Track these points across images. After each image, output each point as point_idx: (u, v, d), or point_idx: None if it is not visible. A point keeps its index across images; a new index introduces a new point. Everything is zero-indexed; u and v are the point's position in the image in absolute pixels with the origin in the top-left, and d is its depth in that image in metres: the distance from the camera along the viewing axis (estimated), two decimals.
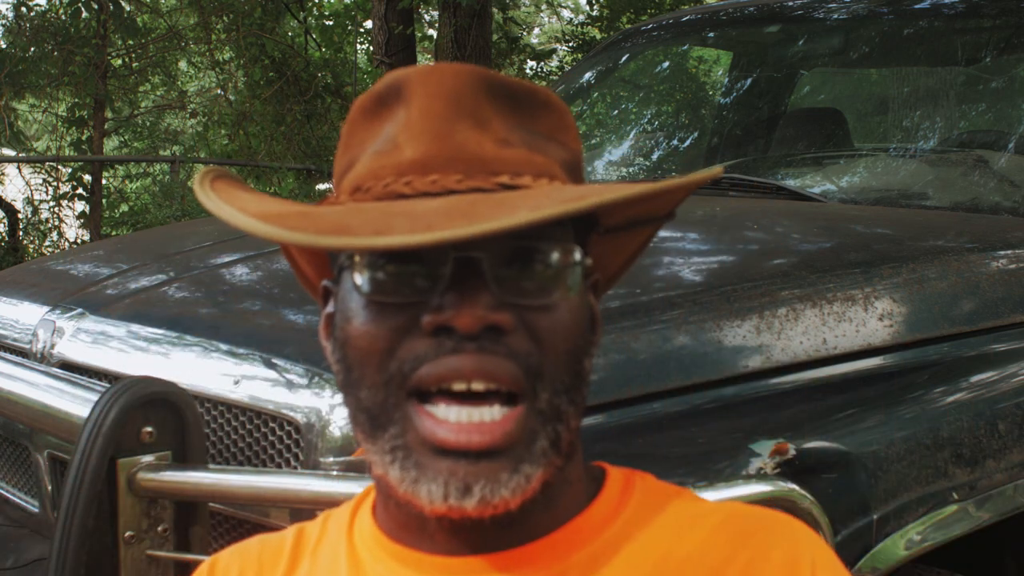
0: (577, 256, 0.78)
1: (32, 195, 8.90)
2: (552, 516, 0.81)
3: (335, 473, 1.29)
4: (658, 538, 0.82)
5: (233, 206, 0.75)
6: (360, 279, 0.77)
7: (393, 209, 0.73)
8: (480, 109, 0.79)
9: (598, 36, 11.88)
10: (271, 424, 1.39)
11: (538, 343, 0.75)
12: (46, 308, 1.82)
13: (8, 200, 8.69)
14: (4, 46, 8.60)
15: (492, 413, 0.73)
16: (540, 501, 0.79)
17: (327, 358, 0.84)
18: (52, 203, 8.76)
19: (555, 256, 0.77)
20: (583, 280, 0.80)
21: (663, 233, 1.86)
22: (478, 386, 0.73)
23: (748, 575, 0.80)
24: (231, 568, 0.92)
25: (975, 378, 1.67)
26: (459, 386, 0.73)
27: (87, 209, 8.75)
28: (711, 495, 1.17)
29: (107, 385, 1.44)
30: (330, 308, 0.84)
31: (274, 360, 1.43)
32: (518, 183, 0.77)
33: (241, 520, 1.42)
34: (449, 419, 0.73)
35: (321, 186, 9.53)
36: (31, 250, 8.48)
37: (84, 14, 8.54)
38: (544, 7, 20.28)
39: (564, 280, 0.77)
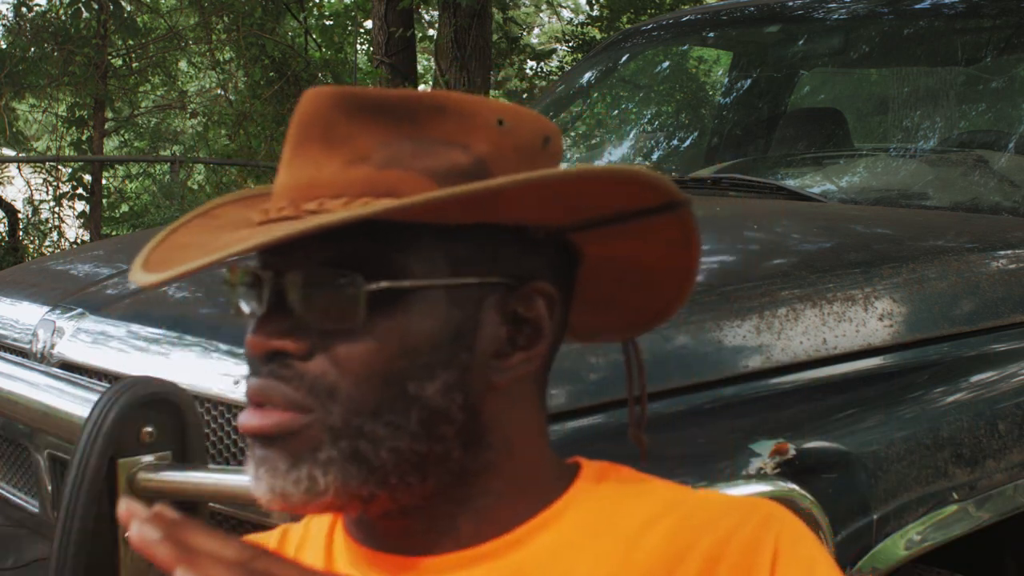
0: (360, 278, 0.75)
1: (32, 195, 8.91)
2: (490, 524, 0.82)
3: None
4: (610, 534, 0.81)
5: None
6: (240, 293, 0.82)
7: (191, 240, 0.81)
8: (332, 129, 0.78)
9: (598, 36, 11.88)
10: None
11: (336, 366, 0.76)
12: (46, 308, 1.82)
13: (8, 200, 8.70)
14: (4, 46, 8.60)
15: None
16: (458, 511, 0.81)
17: None
18: (52, 203, 8.76)
19: (345, 281, 0.76)
20: (420, 301, 0.77)
21: None
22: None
23: (708, 559, 0.78)
24: None
25: (975, 378, 1.68)
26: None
27: (87, 209, 8.75)
28: None
29: (107, 385, 1.44)
30: None
31: None
32: (325, 208, 0.76)
33: (241, 520, 1.42)
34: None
35: None
36: (31, 250, 8.49)
37: (84, 14, 8.54)
38: (544, 7, 20.28)
39: (355, 304, 0.76)
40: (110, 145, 12.01)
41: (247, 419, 0.78)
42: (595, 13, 12.22)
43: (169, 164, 9.77)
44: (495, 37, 11.13)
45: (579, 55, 11.97)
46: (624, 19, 11.46)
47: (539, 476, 0.85)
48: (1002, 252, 1.92)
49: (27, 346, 1.79)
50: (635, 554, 0.80)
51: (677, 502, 0.83)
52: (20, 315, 1.89)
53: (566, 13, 19.48)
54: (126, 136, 11.86)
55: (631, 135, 3.59)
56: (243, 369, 1.44)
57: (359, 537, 0.85)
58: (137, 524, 0.62)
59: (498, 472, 0.82)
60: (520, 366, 0.82)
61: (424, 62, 14.94)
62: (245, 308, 0.80)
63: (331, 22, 11.64)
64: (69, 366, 1.68)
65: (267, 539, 0.94)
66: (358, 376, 0.76)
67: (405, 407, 0.77)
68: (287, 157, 0.80)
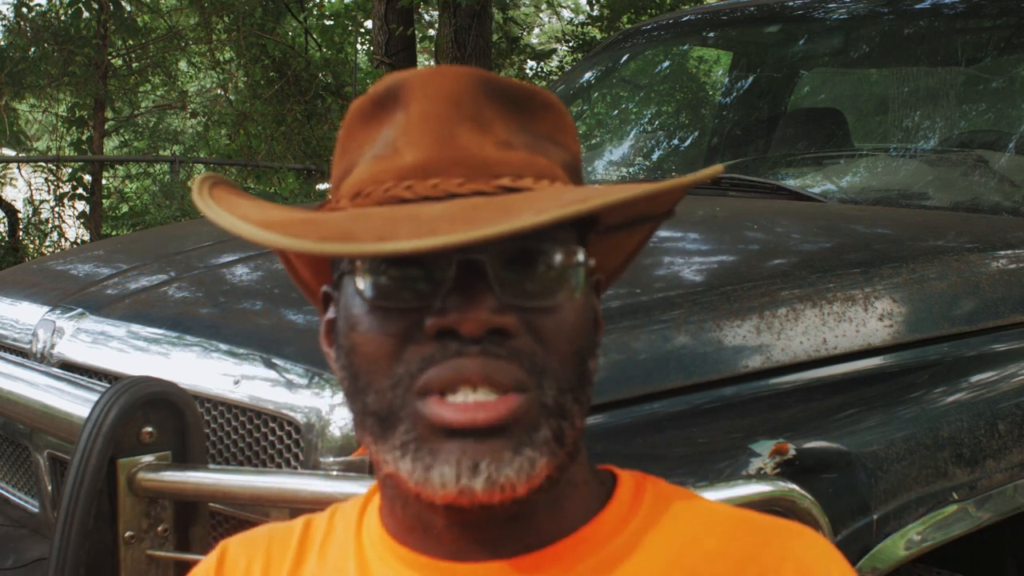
0: (580, 257, 0.79)
1: (32, 195, 8.90)
2: (559, 521, 0.81)
3: (335, 473, 1.29)
4: (665, 549, 0.81)
5: (234, 214, 0.76)
6: (363, 284, 0.77)
7: (397, 214, 0.74)
8: (481, 111, 0.80)
9: (598, 36, 11.88)
10: (271, 424, 1.39)
11: (542, 344, 0.76)
12: (46, 308, 1.82)
13: (8, 200, 8.70)
14: (4, 46, 8.60)
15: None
16: (544, 502, 0.80)
17: (330, 365, 0.84)
18: (52, 203, 8.76)
19: (558, 258, 0.77)
20: (586, 281, 0.81)
21: (663, 233, 1.87)
22: (482, 395, 0.74)
23: None
24: (239, 559, 0.92)
25: (975, 378, 1.67)
26: (465, 393, 0.74)
27: (87, 209, 8.74)
28: (711, 495, 1.17)
29: (107, 385, 1.44)
30: (331, 314, 0.84)
31: (274, 360, 1.43)
32: (519, 185, 0.78)
33: (241, 520, 1.42)
34: (456, 401, 0.74)
35: (321, 186, 9.52)
36: (31, 250, 8.48)
37: (84, 14, 8.54)
38: (544, 7, 20.27)
39: (568, 281, 0.78)
40: (110, 145, 12.01)
41: (462, 413, 0.73)
42: (595, 13, 12.22)
43: (169, 164, 9.76)
44: (495, 37, 11.13)
45: (579, 55, 11.97)
46: (624, 19, 11.46)
47: (589, 470, 0.86)
48: (1002, 252, 1.92)
49: (27, 346, 1.79)
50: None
51: (717, 522, 0.84)
52: (20, 315, 1.89)
53: (566, 13, 19.47)
54: (126, 136, 11.85)
55: (631, 135, 3.59)
56: (242, 369, 1.45)
57: (413, 543, 0.82)
58: None
59: (581, 461, 0.84)
60: (598, 352, 0.85)
61: (424, 62, 14.94)
62: (413, 287, 0.75)
63: (331, 22, 11.63)
64: (69, 366, 1.68)
65: (290, 531, 0.92)
66: (563, 353, 0.77)
67: (585, 384, 0.80)
68: (436, 131, 0.78)
